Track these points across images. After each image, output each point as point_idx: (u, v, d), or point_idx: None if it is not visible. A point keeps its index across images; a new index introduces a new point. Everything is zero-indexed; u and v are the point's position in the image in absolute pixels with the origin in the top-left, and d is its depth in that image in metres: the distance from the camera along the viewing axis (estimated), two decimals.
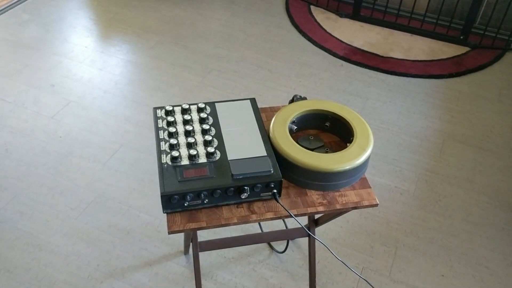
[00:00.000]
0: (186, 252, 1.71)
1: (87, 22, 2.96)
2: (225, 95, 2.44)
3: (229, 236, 1.72)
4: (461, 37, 2.89)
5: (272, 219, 1.06)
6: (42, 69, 2.57)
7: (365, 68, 2.68)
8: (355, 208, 1.09)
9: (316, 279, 1.64)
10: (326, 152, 1.17)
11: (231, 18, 3.07)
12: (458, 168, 2.10)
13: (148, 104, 2.37)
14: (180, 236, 1.76)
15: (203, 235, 1.77)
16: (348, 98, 2.47)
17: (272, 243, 1.76)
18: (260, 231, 1.77)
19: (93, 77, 2.53)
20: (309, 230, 1.43)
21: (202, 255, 1.71)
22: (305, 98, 1.30)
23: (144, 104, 2.37)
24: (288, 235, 1.54)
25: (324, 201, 1.09)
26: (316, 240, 1.55)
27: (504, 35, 2.92)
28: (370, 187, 1.13)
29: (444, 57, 2.80)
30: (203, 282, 1.64)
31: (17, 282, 1.62)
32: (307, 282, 1.65)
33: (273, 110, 1.33)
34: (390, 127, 2.30)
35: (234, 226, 1.81)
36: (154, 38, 2.85)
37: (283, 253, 1.73)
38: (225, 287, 1.63)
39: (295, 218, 1.05)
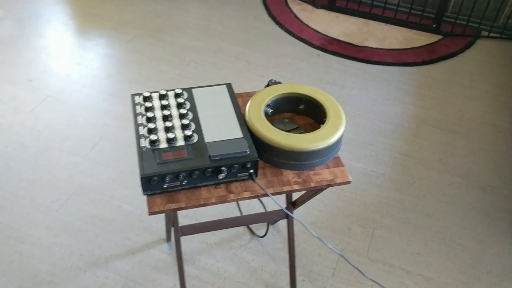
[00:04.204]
0: (168, 239, 1.73)
1: (63, 17, 2.95)
2: None
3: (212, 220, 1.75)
4: (433, 26, 2.96)
5: (249, 198, 1.09)
6: (18, 65, 2.55)
7: (341, 57, 2.73)
8: (329, 185, 1.13)
9: (296, 260, 1.68)
10: (301, 133, 1.21)
11: (208, 11, 3.09)
12: (431, 151, 2.17)
13: (127, 97, 2.38)
14: (162, 224, 1.79)
15: (185, 222, 1.80)
16: (324, 86, 2.52)
17: (253, 228, 1.80)
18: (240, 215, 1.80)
19: (71, 72, 2.53)
20: (288, 217, 1.48)
21: (184, 242, 1.74)
22: (279, 83, 1.34)
23: (122, 97, 2.38)
24: (267, 217, 1.58)
25: (299, 180, 1.13)
26: (294, 220, 1.59)
27: (475, 23, 3.00)
28: (343, 165, 1.17)
29: (417, 45, 2.86)
30: (185, 267, 1.67)
31: None
32: (287, 264, 1.70)
33: (249, 95, 1.36)
34: (366, 113, 2.36)
35: (215, 213, 1.84)
36: (131, 32, 2.85)
37: (264, 237, 1.77)
38: (208, 272, 1.66)
39: (271, 196, 1.09)
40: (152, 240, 1.75)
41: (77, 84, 2.45)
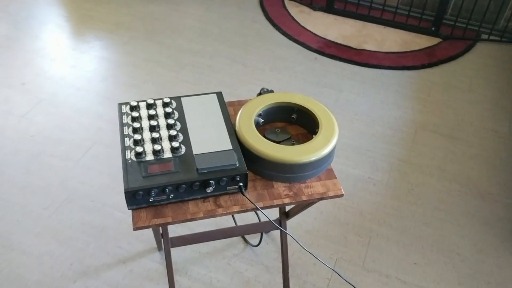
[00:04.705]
0: (159, 248, 1.70)
1: (58, 19, 2.92)
2: (199, 90, 2.43)
3: (203, 231, 1.72)
4: (433, 29, 2.92)
5: (238, 212, 1.06)
6: (12, 67, 2.52)
7: (339, 60, 2.70)
8: (321, 199, 1.10)
9: (291, 270, 1.65)
10: (293, 144, 1.18)
11: (205, 13, 3.05)
12: (430, 157, 2.13)
13: (122, 100, 2.35)
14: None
15: (177, 231, 1.76)
16: (322, 90, 2.48)
17: (247, 237, 1.77)
18: (233, 225, 1.77)
19: (66, 75, 2.50)
20: (280, 223, 1.44)
21: (176, 251, 1.71)
22: (272, 91, 1.30)
23: (117, 100, 2.35)
24: (260, 228, 1.54)
25: (290, 193, 1.09)
26: (288, 231, 1.56)
27: (474, 26, 2.96)
28: (335, 178, 1.14)
29: (417, 48, 2.83)
30: (177, 278, 1.64)
31: None
32: (282, 274, 1.66)
33: (241, 104, 1.33)
34: (364, 118, 2.32)
35: (209, 221, 1.81)
36: (127, 34, 2.82)
37: (258, 247, 1.74)
38: (200, 282, 1.63)
39: (261, 210, 1.05)
40: (143, 248, 1.72)
41: (72, 88, 2.42)
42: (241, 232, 1.52)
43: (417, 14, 3.02)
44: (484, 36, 2.93)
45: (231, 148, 1.09)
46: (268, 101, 1.24)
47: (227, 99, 2.38)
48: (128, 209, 1.02)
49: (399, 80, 2.58)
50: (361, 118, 2.32)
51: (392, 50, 2.79)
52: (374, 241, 1.79)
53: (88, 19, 2.94)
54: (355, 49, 2.78)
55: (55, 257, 1.68)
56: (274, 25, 2.95)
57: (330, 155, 1.14)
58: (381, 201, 1.93)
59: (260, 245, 1.75)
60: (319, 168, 1.13)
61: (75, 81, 2.47)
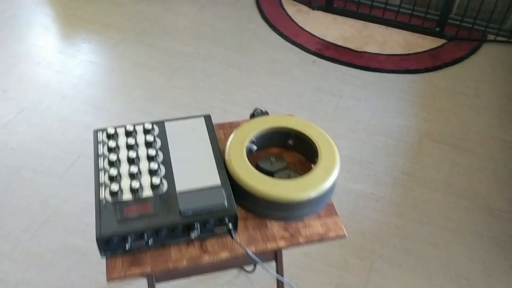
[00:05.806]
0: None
1: (44, 20, 2.78)
2: (191, 96, 2.30)
3: None
4: (437, 29, 2.79)
5: (227, 258, 0.94)
6: None
7: (339, 64, 2.56)
8: (320, 241, 0.98)
9: None
10: (289, 175, 1.06)
11: (199, 12, 2.91)
12: (436, 170, 2.01)
13: (109, 109, 2.22)
14: None
15: None
16: (321, 96, 2.35)
17: None
18: None
19: (50, 81, 2.36)
20: (276, 255, 1.32)
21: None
22: (266, 113, 1.18)
23: (104, 109, 2.22)
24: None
25: (286, 234, 0.97)
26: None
27: (481, 26, 2.83)
28: (337, 215, 1.01)
29: (420, 50, 2.69)
30: None
31: None
32: None
33: (232, 126, 1.20)
34: (365, 126, 2.20)
35: None
36: (116, 36, 2.68)
37: (252, 272, 1.62)
38: None
39: (254, 257, 0.93)
40: None
41: (57, 95, 2.29)
42: (235, 263, 1.40)
43: (421, 13, 2.88)
44: (491, 37, 2.80)
45: (219, 183, 0.97)
46: (262, 125, 1.11)
47: (220, 106, 2.25)
48: (102, 257, 0.90)
49: (401, 85, 2.45)
50: (362, 127, 2.19)
51: (395, 52, 2.66)
52: (376, 264, 1.67)
53: (75, 19, 2.79)
54: (356, 51, 2.65)
55: (34, 286, 1.56)
56: (271, 25, 2.81)
57: (330, 189, 1.01)
58: (384, 219, 1.81)
59: (255, 271, 1.63)
60: (319, 204, 1.00)
61: (60, 87, 2.33)
